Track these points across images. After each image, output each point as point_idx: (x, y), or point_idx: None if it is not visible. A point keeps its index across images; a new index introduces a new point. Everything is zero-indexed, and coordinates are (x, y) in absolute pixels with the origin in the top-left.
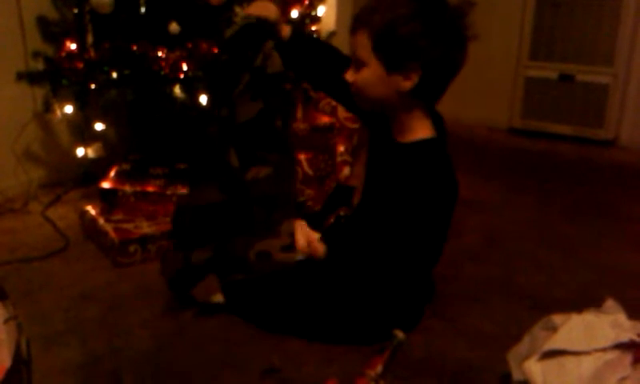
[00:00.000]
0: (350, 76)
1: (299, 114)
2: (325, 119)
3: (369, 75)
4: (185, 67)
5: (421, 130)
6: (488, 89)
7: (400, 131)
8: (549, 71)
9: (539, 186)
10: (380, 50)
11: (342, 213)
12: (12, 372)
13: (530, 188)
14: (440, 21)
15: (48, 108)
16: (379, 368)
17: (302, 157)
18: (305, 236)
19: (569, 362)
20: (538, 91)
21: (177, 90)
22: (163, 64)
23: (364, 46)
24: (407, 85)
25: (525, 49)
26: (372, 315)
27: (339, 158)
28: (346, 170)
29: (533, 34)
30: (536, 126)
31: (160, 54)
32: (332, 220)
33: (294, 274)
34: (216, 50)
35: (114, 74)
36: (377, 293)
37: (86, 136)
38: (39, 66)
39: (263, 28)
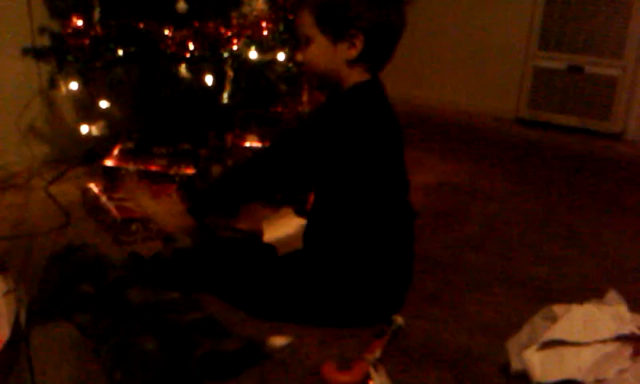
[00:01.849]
0: (299, 55)
1: (305, 98)
2: None
3: (316, 49)
4: (191, 46)
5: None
6: (495, 78)
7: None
8: (558, 62)
9: (544, 176)
10: (323, 23)
11: None
12: (10, 344)
13: (534, 178)
14: None
15: (53, 84)
16: (378, 352)
17: None
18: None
19: (568, 352)
20: (546, 82)
21: (182, 69)
22: (170, 42)
23: (307, 23)
24: (353, 52)
25: (534, 38)
26: (353, 293)
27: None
28: None
29: (542, 24)
30: (543, 117)
31: (167, 32)
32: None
33: (278, 261)
34: (222, 30)
35: (120, 52)
36: (352, 266)
37: (90, 113)
38: (45, 41)
39: None
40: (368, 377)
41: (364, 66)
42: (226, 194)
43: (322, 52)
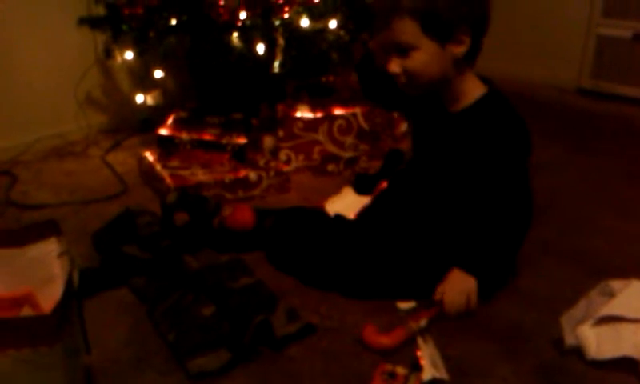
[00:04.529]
0: (396, 66)
1: None
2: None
3: (424, 56)
4: (243, 15)
5: (474, 89)
6: (556, 47)
7: (454, 100)
8: (622, 30)
9: (606, 149)
10: (430, 29)
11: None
12: (63, 304)
13: (596, 151)
14: None
15: (109, 54)
16: (423, 322)
17: (358, 110)
18: None
19: (625, 329)
20: (609, 51)
21: (234, 38)
22: (222, 11)
23: (410, 31)
24: (462, 49)
25: (597, 5)
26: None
27: (397, 114)
28: (403, 127)
29: None
30: (606, 88)
31: (218, 0)
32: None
33: (347, 232)
34: None
35: (173, 21)
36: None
37: (145, 83)
38: (100, 11)
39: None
40: (416, 347)
41: (468, 64)
42: None
43: (430, 58)
